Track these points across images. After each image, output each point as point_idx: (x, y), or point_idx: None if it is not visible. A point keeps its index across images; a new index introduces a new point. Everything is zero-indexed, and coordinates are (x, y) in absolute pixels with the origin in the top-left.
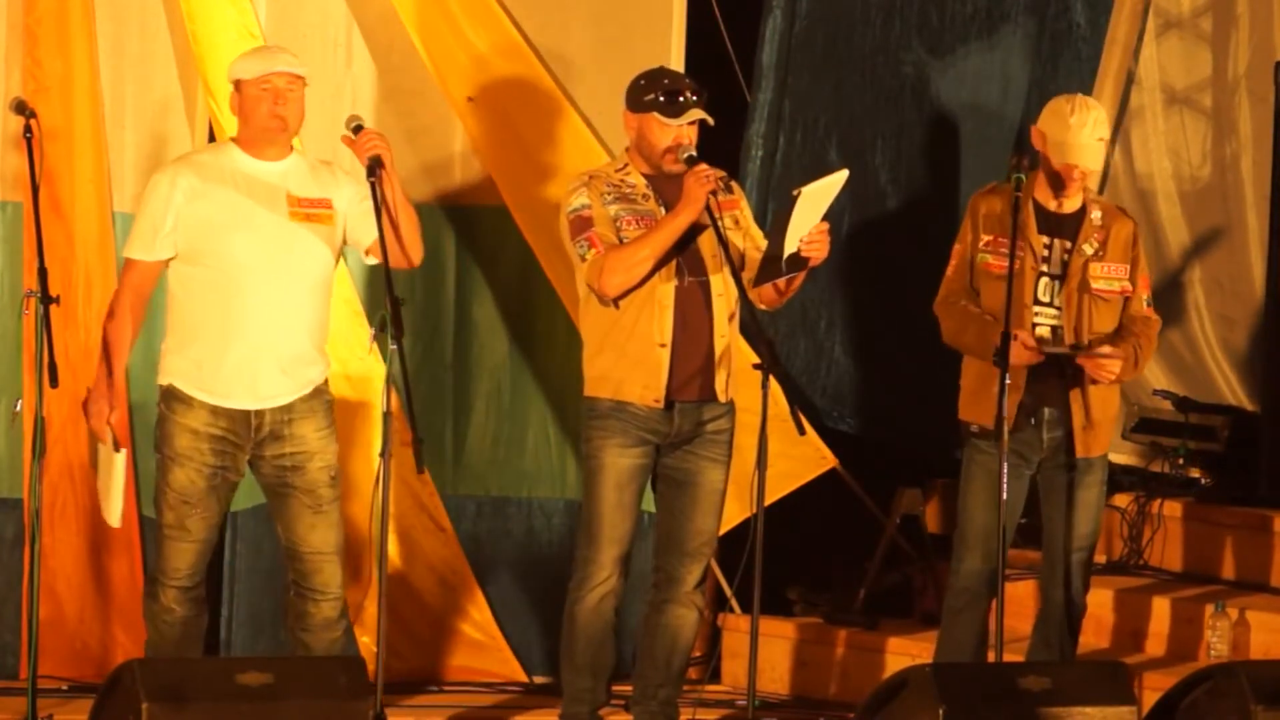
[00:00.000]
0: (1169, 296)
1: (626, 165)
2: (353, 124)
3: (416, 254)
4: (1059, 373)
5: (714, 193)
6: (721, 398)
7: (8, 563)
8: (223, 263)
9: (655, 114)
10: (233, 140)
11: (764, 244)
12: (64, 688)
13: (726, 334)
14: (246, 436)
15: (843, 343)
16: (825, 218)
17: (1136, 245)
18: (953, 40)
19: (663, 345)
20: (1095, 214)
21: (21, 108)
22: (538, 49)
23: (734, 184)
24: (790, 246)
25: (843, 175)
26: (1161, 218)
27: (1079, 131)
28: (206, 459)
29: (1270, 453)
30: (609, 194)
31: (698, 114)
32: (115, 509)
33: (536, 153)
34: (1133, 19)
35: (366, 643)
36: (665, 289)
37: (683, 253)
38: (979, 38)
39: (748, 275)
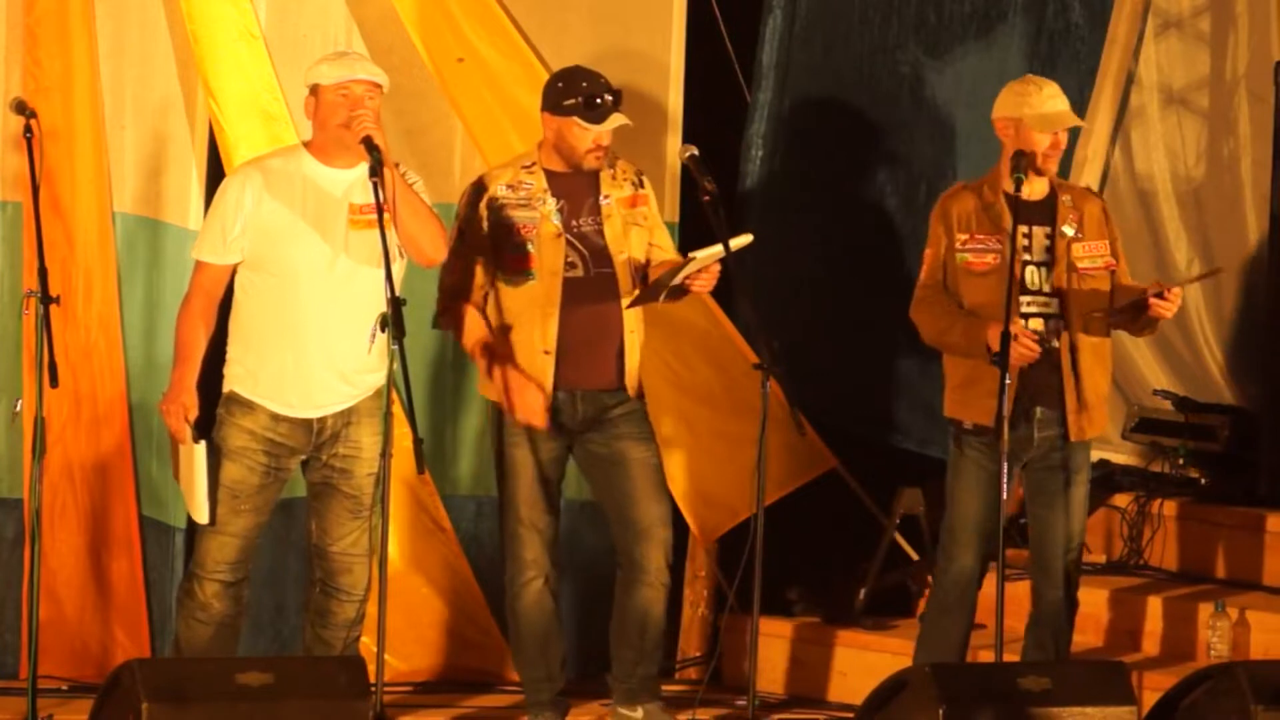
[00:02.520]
0: None
1: (534, 164)
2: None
3: (432, 248)
4: (1051, 368)
5: (709, 196)
6: (631, 391)
7: (8, 563)
8: (284, 270)
9: (576, 119)
10: (304, 145)
11: (665, 243)
12: (64, 688)
13: (637, 328)
14: (306, 442)
15: (839, 341)
16: (821, 220)
17: (1110, 222)
18: (950, 40)
19: (547, 352)
20: (1065, 197)
21: (21, 108)
22: (538, 49)
23: (645, 179)
24: (675, 280)
25: (746, 239)
26: (1162, 217)
27: (1054, 100)
28: (259, 458)
29: (1270, 453)
30: (498, 200)
31: (619, 120)
32: (203, 505)
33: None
34: (1133, 19)
35: (366, 643)
36: (551, 291)
37: (586, 247)
38: (976, 37)
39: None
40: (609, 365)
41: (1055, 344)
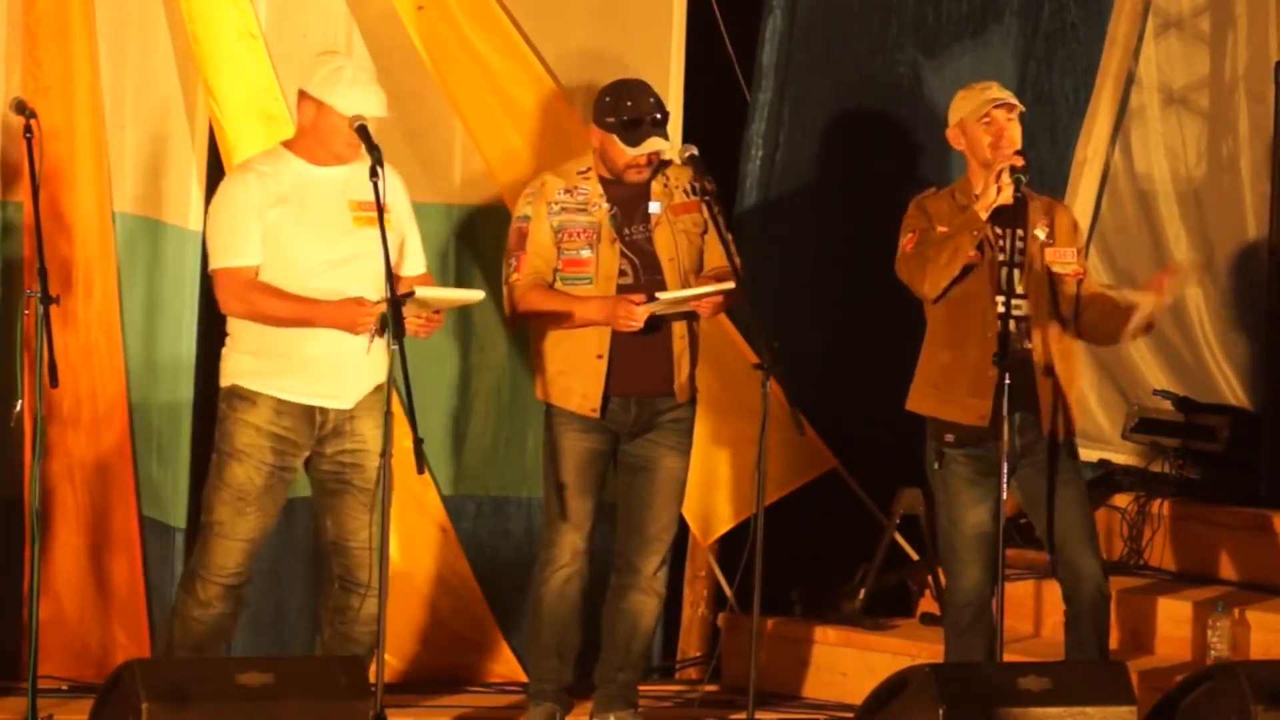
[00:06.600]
0: None
1: (589, 170)
2: (356, 123)
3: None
4: (1026, 373)
5: (709, 196)
6: (680, 397)
7: (8, 563)
8: (291, 269)
9: (615, 137)
10: (285, 146)
11: (716, 253)
12: (64, 688)
13: (686, 334)
14: (309, 434)
15: (840, 341)
16: (821, 220)
17: (1078, 230)
18: (947, 39)
19: (600, 357)
20: (1035, 203)
21: (21, 108)
22: (537, 49)
23: (706, 187)
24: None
25: (729, 285)
26: (1161, 217)
27: (989, 90)
28: (266, 456)
29: (1270, 453)
30: (557, 204)
31: (657, 144)
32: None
33: (536, 151)
34: (1133, 19)
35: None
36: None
37: (639, 258)
38: (973, 36)
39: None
40: (660, 372)
41: (1028, 345)
